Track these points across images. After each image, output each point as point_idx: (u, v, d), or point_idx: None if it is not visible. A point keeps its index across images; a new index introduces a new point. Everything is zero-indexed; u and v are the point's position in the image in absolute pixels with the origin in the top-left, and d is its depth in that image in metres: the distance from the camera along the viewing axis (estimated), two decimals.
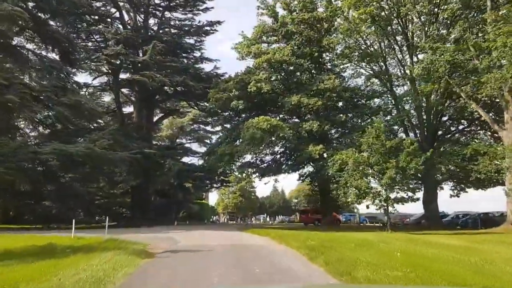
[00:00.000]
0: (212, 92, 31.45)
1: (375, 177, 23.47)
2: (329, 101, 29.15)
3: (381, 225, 45.48)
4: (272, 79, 31.98)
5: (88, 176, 37.99)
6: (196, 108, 44.01)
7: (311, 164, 31.71)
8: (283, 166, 36.34)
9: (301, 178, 37.68)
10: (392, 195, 23.60)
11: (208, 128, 53.70)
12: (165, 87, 45.34)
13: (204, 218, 57.72)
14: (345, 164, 26.13)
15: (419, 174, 24.01)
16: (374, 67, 35.78)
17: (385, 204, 23.54)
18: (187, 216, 54.28)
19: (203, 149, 46.99)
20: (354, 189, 23.81)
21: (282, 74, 32.22)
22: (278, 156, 35.54)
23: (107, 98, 46.84)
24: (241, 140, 29.54)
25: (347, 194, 24.81)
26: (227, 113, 33.98)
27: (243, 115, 33.33)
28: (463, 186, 36.65)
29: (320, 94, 29.07)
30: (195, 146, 66.41)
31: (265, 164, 35.49)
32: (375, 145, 23.65)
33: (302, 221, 43.72)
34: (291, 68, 31.64)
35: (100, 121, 41.86)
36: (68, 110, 27.66)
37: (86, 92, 45.13)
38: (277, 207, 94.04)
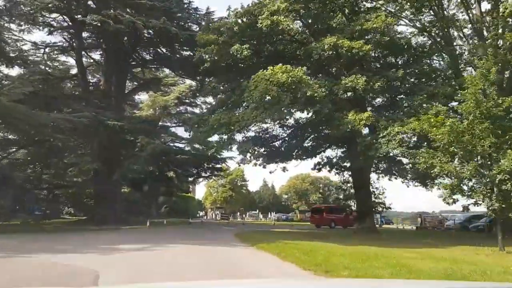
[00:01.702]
0: (201, 35, 20.18)
1: (486, 158, 12.63)
2: (379, 47, 18.19)
3: (415, 228, 34.48)
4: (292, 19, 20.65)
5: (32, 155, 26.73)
6: (178, 74, 32.60)
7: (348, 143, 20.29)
8: (296, 150, 25.12)
9: (317, 167, 26.36)
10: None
11: (197, 111, 42.49)
12: (143, 53, 34.11)
13: (190, 214, 46.12)
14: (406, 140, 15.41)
15: None
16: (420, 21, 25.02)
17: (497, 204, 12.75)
18: (170, 211, 43.22)
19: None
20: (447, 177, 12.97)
21: (305, 16, 20.81)
22: (297, 131, 23.78)
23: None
24: (244, 103, 18.37)
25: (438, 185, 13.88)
26: (224, 67, 21.73)
27: (243, 79, 20.97)
28: None
29: (364, 37, 18.09)
30: (181, 131, 54.76)
31: (279, 141, 23.87)
32: (485, 103, 12.80)
33: (314, 222, 32.34)
34: (319, 5, 20.41)
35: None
36: None
37: (44, 55, 33.52)
38: (267, 203, 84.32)
